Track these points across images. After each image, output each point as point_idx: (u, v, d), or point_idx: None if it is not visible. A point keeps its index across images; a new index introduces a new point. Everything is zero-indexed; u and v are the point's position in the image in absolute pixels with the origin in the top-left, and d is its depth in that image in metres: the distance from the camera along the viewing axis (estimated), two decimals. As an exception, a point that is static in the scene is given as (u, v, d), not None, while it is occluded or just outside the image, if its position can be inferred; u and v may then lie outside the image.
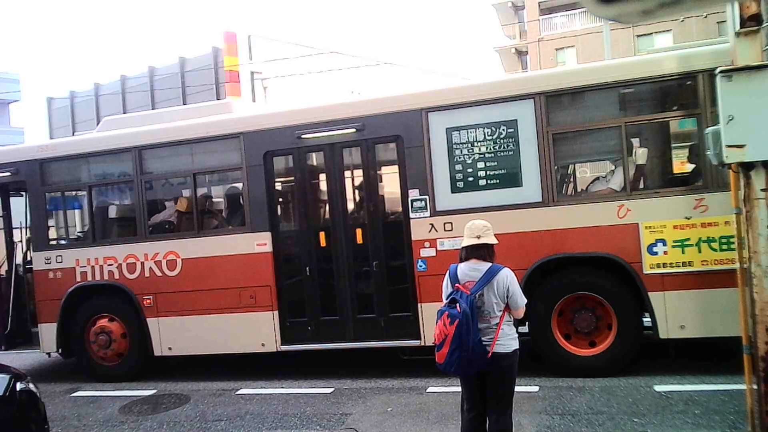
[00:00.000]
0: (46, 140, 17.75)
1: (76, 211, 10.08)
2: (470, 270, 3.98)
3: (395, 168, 6.82)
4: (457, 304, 3.83)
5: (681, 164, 6.99)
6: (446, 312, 3.86)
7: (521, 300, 4.00)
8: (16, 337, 8.40)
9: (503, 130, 6.29)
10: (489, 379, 3.94)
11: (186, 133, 7.38)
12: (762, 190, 4.04)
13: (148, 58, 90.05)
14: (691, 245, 5.78)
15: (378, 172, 7.01)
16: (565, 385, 5.97)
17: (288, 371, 7.43)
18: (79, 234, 9.19)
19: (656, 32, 28.64)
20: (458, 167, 6.43)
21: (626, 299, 6.04)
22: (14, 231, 8.94)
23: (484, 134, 6.35)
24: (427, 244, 6.47)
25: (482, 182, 6.37)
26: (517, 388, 4.13)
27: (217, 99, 21.78)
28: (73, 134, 22.26)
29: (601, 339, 6.17)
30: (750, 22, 4.08)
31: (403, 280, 6.70)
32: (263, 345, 7.04)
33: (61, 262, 7.78)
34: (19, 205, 8.67)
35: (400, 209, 6.73)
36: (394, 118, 6.61)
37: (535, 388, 5.95)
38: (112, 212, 8.10)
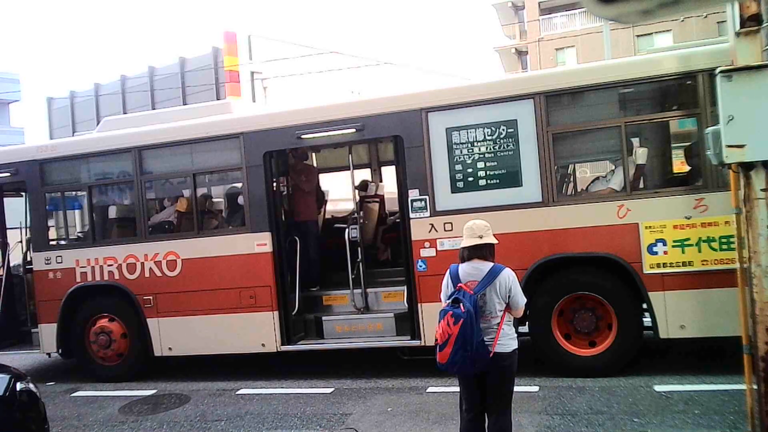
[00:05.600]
0: (46, 140, 17.76)
1: (76, 212, 10.08)
2: (472, 269, 3.98)
3: (395, 168, 6.82)
4: (461, 304, 3.82)
5: (681, 164, 6.99)
6: (450, 312, 3.84)
7: (522, 300, 4.00)
8: (4, 339, 8.40)
9: (503, 130, 6.29)
10: (488, 379, 3.93)
11: (186, 133, 7.38)
12: (762, 190, 4.04)
13: (148, 58, 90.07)
14: (691, 245, 5.78)
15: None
16: (565, 385, 5.97)
17: (288, 371, 7.43)
18: (79, 234, 9.19)
19: (656, 32, 28.64)
20: (458, 167, 6.42)
21: (626, 299, 6.04)
22: (8, 231, 8.95)
23: (484, 134, 6.35)
24: (427, 244, 6.46)
25: (482, 182, 6.36)
26: (517, 388, 4.13)
27: (217, 99, 21.77)
28: (73, 134, 22.27)
29: (601, 339, 6.17)
30: (750, 22, 4.08)
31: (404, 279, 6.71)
32: (263, 345, 7.04)
33: (61, 262, 7.78)
34: (18, 205, 8.67)
35: (402, 209, 6.73)
36: (394, 119, 6.60)
37: (535, 388, 5.95)
38: (112, 212, 8.11)
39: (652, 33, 28.85)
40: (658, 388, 5.70)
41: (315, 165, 9.25)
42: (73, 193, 9.00)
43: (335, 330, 7.11)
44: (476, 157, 6.37)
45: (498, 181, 6.32)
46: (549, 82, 6.26)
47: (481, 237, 3.99)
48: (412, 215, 6.53)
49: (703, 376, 5.90)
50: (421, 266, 6.49)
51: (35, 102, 69.22)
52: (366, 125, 6.69)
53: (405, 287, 6.76)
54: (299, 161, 8.18)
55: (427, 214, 6.47)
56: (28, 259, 8.36)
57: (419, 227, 6.50)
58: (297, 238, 7.38)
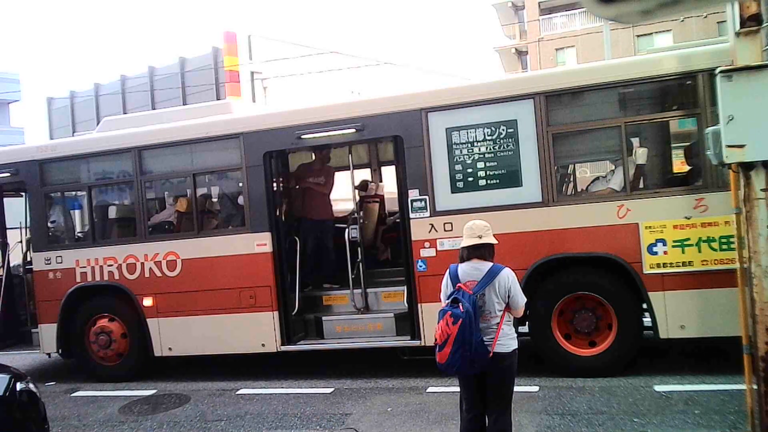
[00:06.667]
0: (46, 140, 17.76)
1: (76, 212, 10.07)
2: (471, 269, 3.98)
3: (395, 168, 6.82)
4: (460, 304, 3.82)
5: (681, 164, 6.99)
6: (449, 312, 3.84)
7: (522, 300, 4.01)
8: (4, 339, 8.41)
9: (503, 130, 6.29)
10: (488, 379, 3.93)
11: (186, 133, 7.38)
12: (762, 190, 4.04)
13: (148, 58, 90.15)
14: (691, 245, 5.77)
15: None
16: (565, 385, 5.97)
17: (288, 371, 7.43)
18: (79, 234, 9.19)
19: (656, 32, 28.63)
20: (458, 167, 6.42)
21: (626, 299, 6.04)
22: (9, 231, 8.94)
23: (484, 134, 6.34)
24: (426, 244, 6.46)
25: (482, 182, 6.36)
26: (517, 388, 4.13)
27: (217, 99, 21.78)
28: (73, 134, 22.25)
29: (601, 339, 6.17)
30: (750, 22, 4.08)
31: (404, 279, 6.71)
32: (263, 345, 7.04)
33: (61, 262, 7.78)
34: (18, 205, 8.67)
35: (402, 209, 6.73)
36: (394, 119, 6.60)
37: (535, 388, 5.95)
38: (112, 213, 8.10)
39: (652, 33, 28.84)
40: (658, 388, 5.70)
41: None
42: (73, 193, 9.00)
43: (335, 330, 7.11)
44: (476, 157, 6.37)
45: (498, 181, 6.32)
46: (549, 82, 6.26)
47: (480, 237, 4.00)
48: (412, 215, 6.53)
49: (703, 376, 5.90)
50: (421, 266, 6.49)
51: (35, 102, 69.25)
52: (366, 125, 6.69)
53: (405, 287, 6.76)
54: (319, 162, 8.10)
55: (427, 214, 6.47)
56: (28, 259, 8.36)
57: (419, 227, 6.50)
58: (297, 238, 7.38)
